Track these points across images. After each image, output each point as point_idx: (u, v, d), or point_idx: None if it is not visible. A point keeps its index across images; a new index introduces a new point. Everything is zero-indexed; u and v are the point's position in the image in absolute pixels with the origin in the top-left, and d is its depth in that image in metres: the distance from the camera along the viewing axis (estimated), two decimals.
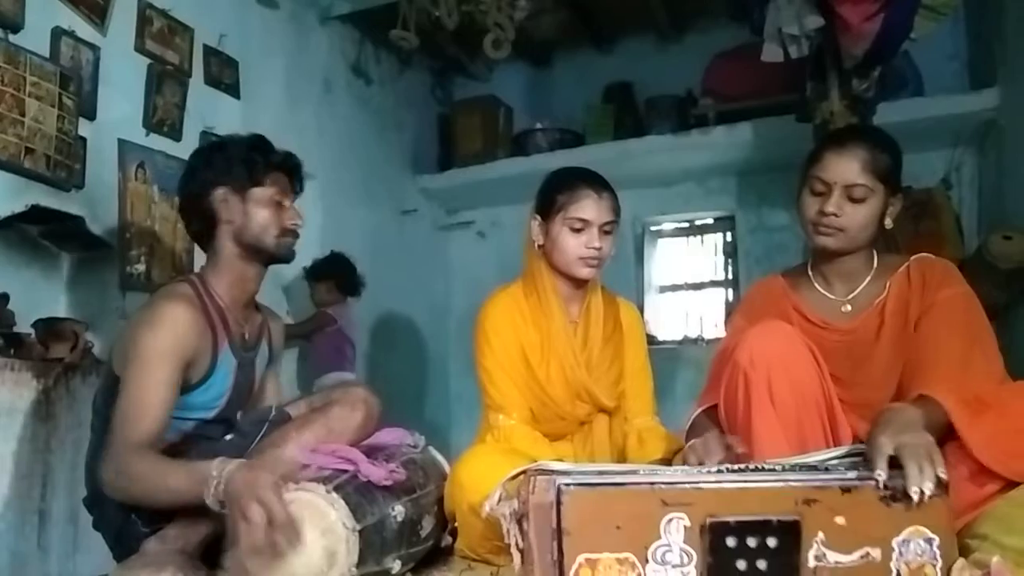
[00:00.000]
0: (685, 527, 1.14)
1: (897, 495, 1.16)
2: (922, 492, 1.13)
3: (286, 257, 1.89)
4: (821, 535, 1.15)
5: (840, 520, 1.16)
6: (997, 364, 1.56)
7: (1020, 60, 3.53)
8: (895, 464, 1.18)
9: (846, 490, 1.17)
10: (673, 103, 4.57)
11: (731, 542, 1.14)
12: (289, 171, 1.89)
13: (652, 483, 1.17)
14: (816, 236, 1.70)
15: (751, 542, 1.14)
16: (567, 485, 1.15)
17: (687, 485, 1.17)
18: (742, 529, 1.14)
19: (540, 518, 1.18)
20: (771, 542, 1.14)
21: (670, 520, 1.14)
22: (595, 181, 1.97)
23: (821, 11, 3.04)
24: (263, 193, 1.82)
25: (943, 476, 1.16)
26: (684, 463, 1.56)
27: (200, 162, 1.85)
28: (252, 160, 1.81)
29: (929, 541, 1.16)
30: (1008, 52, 3.68)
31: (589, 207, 1.92)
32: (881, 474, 1.16)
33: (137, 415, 1.59)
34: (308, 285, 3.81)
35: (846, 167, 1.65)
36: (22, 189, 2.43)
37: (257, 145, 1.84)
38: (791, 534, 1.15)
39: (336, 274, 3.78)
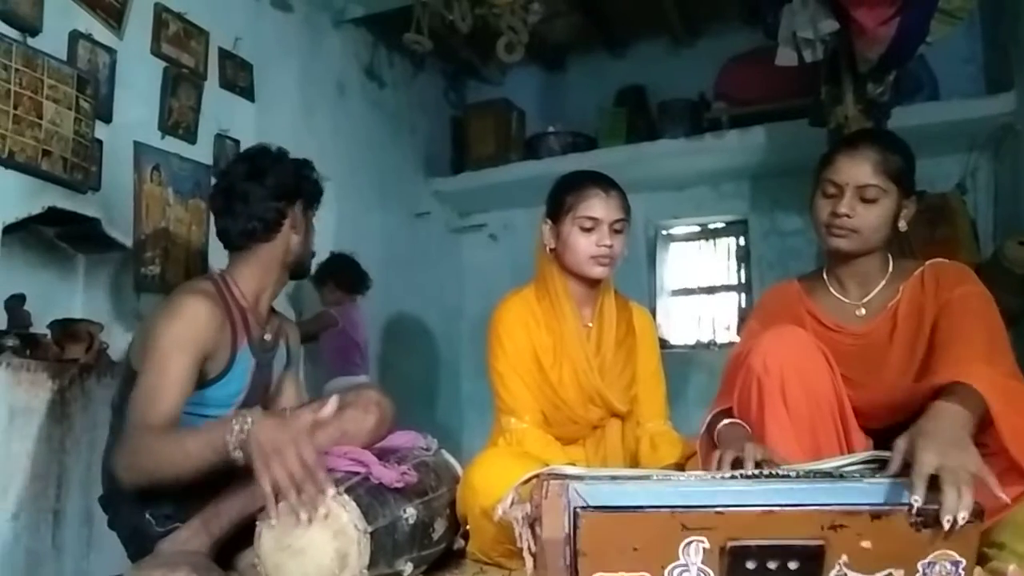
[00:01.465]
0: (704, 549, 1.12)
1: (929, 521, 1.11)
2: (955, 520, 1.09)
3: (305, 275, 2.11)
4: (845, 557, 1.12)
5: (866, 544, 1.12)
6: (1012, 360, 1.54)
7: None
8: (932, 484, 1.13)
9: (876, 516, 1.12)
10: (686, 107, 4.57)
11: (751, 564, 1.11)
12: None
13: (672, 508, 1.13)
14: (829, 238, 1.70)
15: (771, 564, 1.11)
16: (584, 509, 1.12)
17: (708, 509, 1.13)
18: (763, 553, 1.11)
19: (553, 549, 1.16)
20: (792, 564, 1.11)
21: (689, 543, 1.12)
22: (603, 180, 1.98)
23: (836, 15, 3.03)
24: (311, 216, 1.95)
25: (981, 504, 1.11)
26: (719, 461, 1.47)
27: (278, 168, 1.85)
28: (319, 184, 1.94)
29: (955, 564, 1.13)
30: None
31: (598, 205, 1.93)
32: (918, 500, 1.11)
33: (152, 399, 1.58)
34: (316, 290, 3.82)
35: (858, 168, 1.65)
36: (39, 191, 2.44)
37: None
38: (814, 558, 1.11)
39: (334, 274, 3.78)
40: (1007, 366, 1.51)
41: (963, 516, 1.09)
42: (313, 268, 3.60)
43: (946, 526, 1.09)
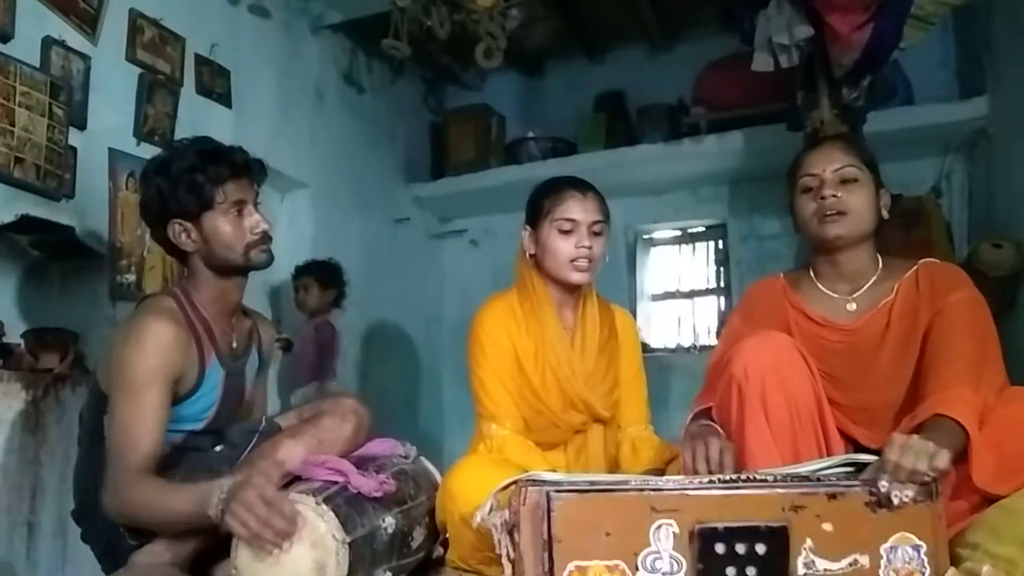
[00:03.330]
0: (674, 534, 1.15)
1: (882, 501, 1.18)
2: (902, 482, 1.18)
3: (260, 266, 1.82)
4: (810, 542, 1.17)
5: (828, 527, 1.17)
6: (1002, 371, 1.55)
7: (1009, 68, 3.56)
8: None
9: (832, 496, 1.18)
10: (665, 112, 4.59)
11: (720, 549, 1.15)
12: (241, 173, 1.77)
13: (641, 489, 1.18)
14: (822, 227, 1.68)
15: (740, 549, 1.15)
16: (557, 492, 1.16)
17: (675, 491, 1.18)
18: (731, 536, 1.15)
19: (531, 526, 1.18)
20: (760, 549, 1.15)
21: (659, 527, 1.15)
22: (580, 183, 1.99)
23: (811, 21, 3.06)
24: (217, 214, 1.73)
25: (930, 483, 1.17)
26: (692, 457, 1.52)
27: (150, 193, 1.75)
28: (196, 184, 1.70)
29: (917, 548, 1.18)
30: (997, 61, 3.71)
31: (575, 207, 1.94)
32: (885, 485, 1.18)
33: (132, 440, 1.57)
34: (305, 285, 3.66)
35: (829, 155, 1.70)
36: (12, 199, 2.41)
37: (198, 164, 1.71)
38: (779, 540, 1.16)
39: (325, 283, 3.69)
40: (996, 381, 1.52)
41: (908, 494, 1.17)
42: (291, 268, 3.61)
43: (895, 501, 1.16)
